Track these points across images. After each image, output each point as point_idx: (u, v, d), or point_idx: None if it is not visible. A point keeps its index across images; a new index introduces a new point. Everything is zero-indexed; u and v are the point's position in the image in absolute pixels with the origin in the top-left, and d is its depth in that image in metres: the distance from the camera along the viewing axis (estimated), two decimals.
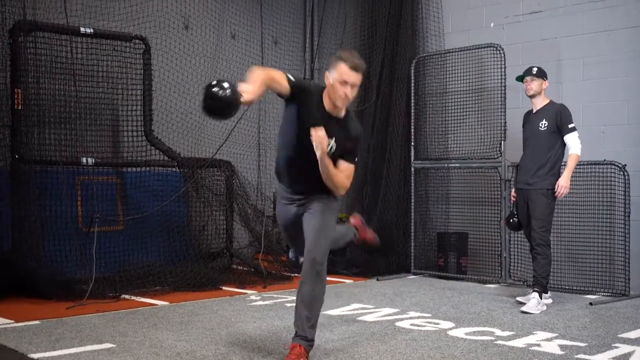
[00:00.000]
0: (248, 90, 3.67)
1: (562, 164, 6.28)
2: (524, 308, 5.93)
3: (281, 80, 3.98)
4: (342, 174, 4.22)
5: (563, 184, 6.12)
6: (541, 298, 6.06)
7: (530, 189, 6.25)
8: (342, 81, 4.07)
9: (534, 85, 6.31)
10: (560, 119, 6.18)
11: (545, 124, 6.23)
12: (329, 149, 4.05)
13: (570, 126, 6.19)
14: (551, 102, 6.36)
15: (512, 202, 6.64)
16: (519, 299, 6.39)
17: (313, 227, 4.18)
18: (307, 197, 4.27)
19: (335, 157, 4.16)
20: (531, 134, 6.35)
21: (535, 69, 6.34)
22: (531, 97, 6.37)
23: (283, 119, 4.28)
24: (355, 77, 4.10)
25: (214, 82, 3.62)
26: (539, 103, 6.36)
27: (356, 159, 4.31)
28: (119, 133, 7.69)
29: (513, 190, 6.63)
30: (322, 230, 4.18)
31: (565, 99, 7.49)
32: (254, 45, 9.47)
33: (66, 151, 6.91)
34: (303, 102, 4.11)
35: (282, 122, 4.30)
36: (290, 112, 4.17)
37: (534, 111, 6.40)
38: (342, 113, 4.25)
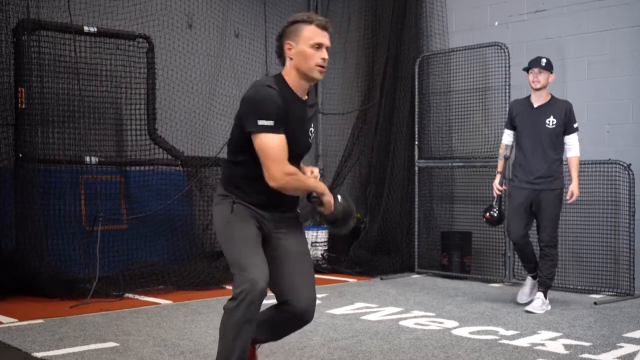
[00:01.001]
0: (325, 191, 3.26)
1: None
2: (528, 308, 5.91)
3: (284, 144, 3.16)
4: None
5: (577, 192, 6.03)
6: (546, 298, 6.01)
7: (541, 188, 5.97)
8: (315, 44, 3.20)
9: (542, 77, 5.98)
10: (568, 118, 5.99)
11: (553, 121, 5.96)
12: (311, 138, 3.39)
13: (575, 126, 6.04)
14: (554, 97, 6.11)
15: (496, 195, 6.24)
16: (519, 301, 6.29)
17: (308, 273, 3.41)
18: (279, 214, 3.36)
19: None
20: (535, 131, 6.01)
21: (544, 60, 5.99)
22: (537, 90, 6.02)
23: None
24: (327, 39, 3.26)
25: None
26: (543, 98, 6.06)
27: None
28: (123, 132, 7.69)
29: (497, 181, 6.23)
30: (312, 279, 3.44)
31: (570, 98, 7.45)
32: (258, 44, 9.46)
33: (70, 150, 6.92)
34: (287, 114, 3.19)
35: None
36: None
37: (534, 105, 6.06)
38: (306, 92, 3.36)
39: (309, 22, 3.23)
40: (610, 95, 7.22)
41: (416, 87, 8.37)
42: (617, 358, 4.37)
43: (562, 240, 7.17)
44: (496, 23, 8.10)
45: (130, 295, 6.38)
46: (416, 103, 8.34)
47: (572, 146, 6.04)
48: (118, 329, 5.04)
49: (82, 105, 7.13)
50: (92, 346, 4.52)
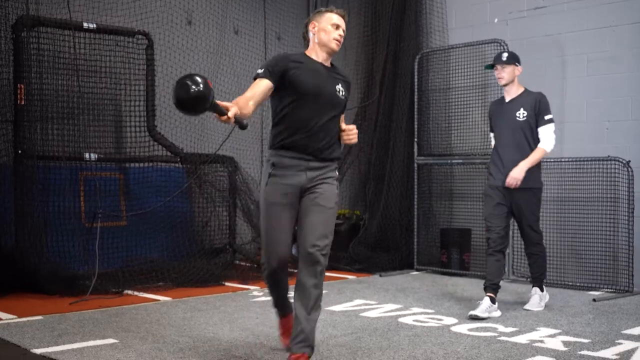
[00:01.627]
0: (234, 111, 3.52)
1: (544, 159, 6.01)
2: (527, 306, 5.89)
3: (261, 89, 3.82)
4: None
5: (515, 175, 5.59)
6: (542, 290, 5.97)
7: (517, 186, 5.67)
8: (334, 24, 4.06)
9: (506, 73, 5.76)
10: (538, 109, 5.70)
11: (524, 113, 5.71)
12: (340, 93, 4.07)
13: (547, 117, 5.71)
14: (527, 90, 5.86)
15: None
16: (525, 303, 5.97)
17: (320, 224, 3.94)
18: (321, 162, 3.98)
19: (344, 100, 4.10)
20: (507, 125, 5.79)
21: (505, 55, 5.79)
22: (504, 86, 5.84)
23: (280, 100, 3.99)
24: (344, 24, 4.15)
25: (187, 77, 3.35)
26: (514, 91, 5.83)
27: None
28: (122, 128, 7.69)
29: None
30: (330, 227, 3.99)
31: (569, 95, 7.49)
32: (257, 41, 9.45)
33: (69, 147, 6.92)
34: (297, 69, 3.92)
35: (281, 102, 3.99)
36: (287, 92, 3.92)
37: (507, 100, 5.86)
38: (330, 65, 4.14)
39: (330, 10, 4.14)
40: (609, 93, 7.22)
41: (415, 84, 8.36)
42: (616, 355, 4.38)
43: (561, 236, 7.20)
44: (496, 20, 8.10)
45: (130, 292, 6.38)
46: (415, 100, 8.34)
47: (543, 138, 5.70)
48: (117, 326, 5.04)
49: (82, 101, 7.12)
50: (92, 342, 4.52)
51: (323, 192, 3.96)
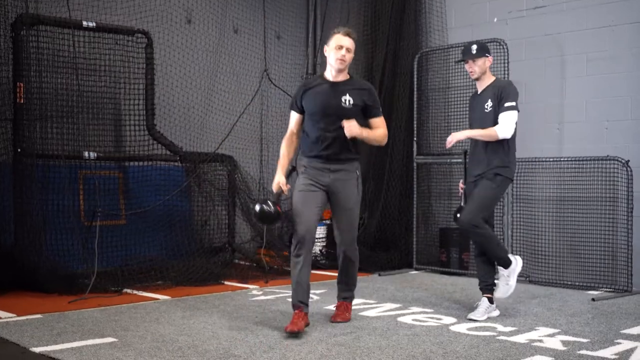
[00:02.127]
0: (282, 181, 5.08)
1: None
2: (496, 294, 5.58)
3: (295, 120, 5.17)
4: (378, 128, 5.09)
5: (457, 135, 5.46)
6: (508, 279, 5.56)
7: (481, 173, 5.46)
8: (337, 46, 4.94)
9: (477, 67, 5.50)
10: (501, 96, 5.38)
11: (489, 105, 5.43)
12: (346, 103, 4.93)
13: (507, 104, 5.34)
14: (497, 79, 5.61)
15: (460, 194, 5.79)
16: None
17: (349, 222, 5.13)
18: (338, 164, 5.00)
19: (355, 109, 4.97)
20: (478, 117, 5.55)
21: (474, 48, 5.51)
22: (476, 80, 5.60)
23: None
24: (349, 42, 4.96)
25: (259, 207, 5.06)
26: (485, 83, 5.56)
27: (380, 109, 5.15)
28: (122, 127, 7.69)
29: (461, 182, 5.81)
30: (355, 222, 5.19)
31: (569, 95, 7.49)
32: (257, 40, 9.45)
33: (68, 145, 6.91)
34: (305, 99, 5.07)
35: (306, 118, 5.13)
36: (305, 114, 5.10)
37: (478, 92, 5.62)
38: (347, 77, 5.07)
39: (337, 32, 5.00)
40: (609, 92, 7.22)
41: (415, 83, 8.36)
42: (615, 354, 4.38)
43: (560, 236, 7.20)
44: (495, 19, 8.10)
45: (129, 291, 6.38)
46: (415, 99, 8.34)
47: (499, 123, 5.34)
48: (116, 324, 5.04)
49: (81, 100, 7.12)
50: (91, 341, 4.52)
51: (344, 193, 5.03)
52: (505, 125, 5.34)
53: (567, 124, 7.49)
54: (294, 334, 4.71)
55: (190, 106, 8.52)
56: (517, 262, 5.56)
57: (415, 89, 8.36)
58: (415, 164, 8.27)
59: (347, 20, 9.68)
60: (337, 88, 4.97)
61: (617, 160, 6.80)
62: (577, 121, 7.42)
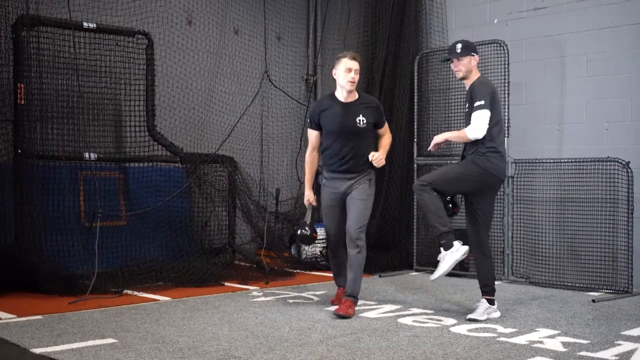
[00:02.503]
0: (311, 198, 5.93)
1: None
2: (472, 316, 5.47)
3: (313, 137, 5.85)
4: (385, 136, 5.86)
5: (436, 138, 5.48)
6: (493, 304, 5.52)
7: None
8: (347, 69, 5.56)
9: (462, 66, 5.42)
10: (470, 96, 5.32)
11: (467, 105, 5.42)
12: (361, 123, 5.61)
13: (476, 104, 5.24)
14: (479, 77, 5.50)
15: None
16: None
17: (358, 211, 5.59)
18: (354, 174, 5.69)
19: (369, 127, 5.68)
20: (465, 118, 5.52)
21: (459, 46, 5.42)
22: (463, 79, 5.53)
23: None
24: (355, 64, 5.59)
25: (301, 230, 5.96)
26: (470, 81, 5.48)
27: (384, 118, 5.86)
28: (122, 128, 7.69)
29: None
30: (365, 211, 5.64)
31: (569, 96, 7.49)
32: (257, 41, 9.46)
33: (69, 146, 6.92)
34: (322, 119, 5.72)
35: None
36: (323, 131, 5.79)
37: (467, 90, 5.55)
38: (356, 96, 5.70)
39: (343, 56, 5.62)
40: (609, 93, 7.22)
41: (415, 84, 8.36)
42: (615, 356, 4.38)
43: (561, 237, 7.20)
44: (495, 20, 8.10)
45: (129, 292, 6.38)
46: (415, 100, 8.34)
47: (470, 124, 5.31)
48: (117, 325, 5.04)
49: (81, 101, 7.12)
50: (91, 342, 4.52)
51: (357, 190, 5.64)
52: (474, 126, 5.25)
53: (567, 125, 7.50)
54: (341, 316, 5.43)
55: (191, 107, 8.52)
56: (458, 250, 5.37)
57: (415, 90, 8.36)
58: (415, 165, 8.27)
59: (347, 21, 9.70)
60: (350, 109, 5.64)
61: (618, 161, 6.80)
62: (577, 122, 7.43)
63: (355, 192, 5.64)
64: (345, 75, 5.53)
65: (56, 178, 6.81)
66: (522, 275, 7.31)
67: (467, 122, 5.39)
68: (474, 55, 5.46)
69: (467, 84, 5.51)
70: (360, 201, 5.59)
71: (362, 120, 5.60)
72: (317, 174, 6.39)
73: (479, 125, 5.25)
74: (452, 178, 5.43)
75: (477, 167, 5.37)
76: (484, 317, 5.42)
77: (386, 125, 5.87)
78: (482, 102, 5.25)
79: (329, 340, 4.70)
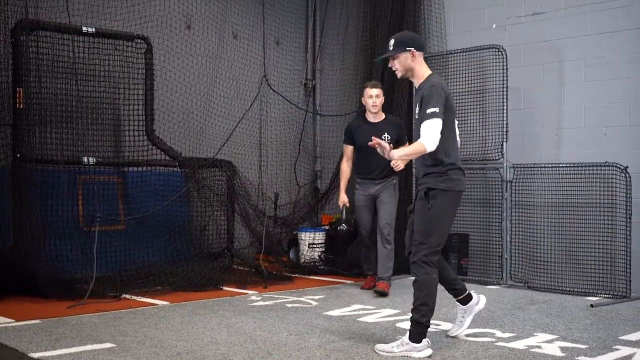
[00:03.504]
0: (345, 200, 7.12)
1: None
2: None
3: (348, 150, 7.14)
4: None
5: (391, 154, 4.47)
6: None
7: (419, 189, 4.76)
8: (369, 96, 6.93)
9: (398, 63, 4.74)
10: (420, 99, 4.65)
11: (417, 111, 4.72)
12: (385, 139, 6.62)
13: (428, 111, 4.47)
14: (427, 78, 4.75)
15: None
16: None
17: (387, 211, 6.93)
18: (380, 180, 6.96)
19: (393, 143, 6.68)
20: (414, 125, 4.90)
21: (391, 43, 4.71)
22: (406, 78, 4.90)
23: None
24: (376, 91, 6.93)
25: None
26: (418, 81, 4.81)
27: (405, 137, 6.98)
28: (121, 132, 7.70)
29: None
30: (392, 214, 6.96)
31: (567, 101, 7.51)
32: (256, 45, 9.47)
33: (67, 150, 6.92)
34: (356, 136, 7.02)
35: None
36: (355, 146, 7.07)
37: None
38: (382, 117, 7.02)
39: (366, 86, 7.00)
40: (607, 98, 7.23)
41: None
42: None
43: (559, 242, 7.20)
44: (494, 25, 8.12)
45: (127, 296, 6.38)
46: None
47: (421, 134, 4.51)
48: (115, 330, 5.04)
49: (80, 105, 7.13)
50: (89, 347, 4.52)
51: (384, 194, 6.96)
52: (428, 137, 4.45)
53: (565, 130, 7.50)
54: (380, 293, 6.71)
55: (190, 111, 8.53)
56: (479, 302, 5.10)
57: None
58: (413, 170, 8.26)
59: (346, 26, 9.71)
60: (377, 128, 6.84)
61: (616, 166, 6.81)
62: (575, 127, 7.43)
63: (382, 195, 6.94)
64: (368, 101, 6.89)
65: (55, 182, 6.81)
66: (521, 280, 7.31)
67: (417, 129, 4.63)
68: (410, 50, 4.67)
69: (416, 83, 4.84)
70: (387, 204, 6.92)
71: (387, 137, 6.79)
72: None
73: (431, 136, 4.44)
74: (444, 226, 4.72)
75: (449, 196, 4.65)
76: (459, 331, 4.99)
77: (407, 143, 6.77)
78: (436, 110, 4.47)
79: (327, 345, 4.70)
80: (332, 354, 4.45)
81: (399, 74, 4.84)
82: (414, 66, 4.74)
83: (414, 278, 4.79)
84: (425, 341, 4.50)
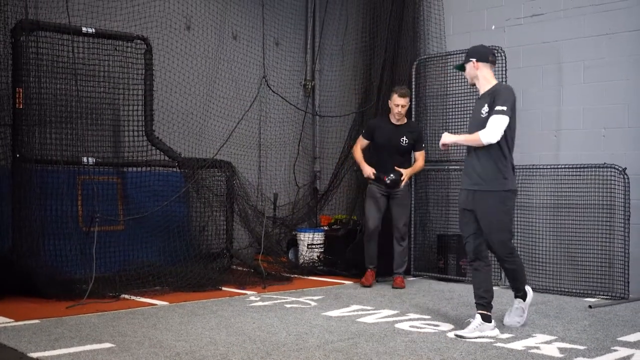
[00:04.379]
0: (371, 170, 7.34)
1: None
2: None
3: (364, 143, 7.53)
4: (420, 159, 7.50)
5: (446, 138, 5.47)
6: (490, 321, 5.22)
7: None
8: (395, 104, 7.28)
9: (466, 72, 5.49)
10: (493, 100, 5.19)
11: (486, 110, 5.25)
12: (404, 142, 7.31)
13: (496, 108, 5.13)
14: (497, 84, 5.39)
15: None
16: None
17: (402, 214, 7.44)
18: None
19: (409, 146, 7.37)
20: (474, 124, 5.38)
21: (466, 55, 5.52)
22: (473, 84, 5.48)
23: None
24: (403, 100, 7.29)
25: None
26: (483, 87, 5.39)
27: (423, 145, 7.54)
28: (120, 133, 7.70)
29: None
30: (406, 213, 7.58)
31: (566, 102, 7.52)
32: (256, 46, 9.48)
33: (67, 151, 6.92)
34: (376, 134, 7.42)
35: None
36: (373, 143, 7.49)
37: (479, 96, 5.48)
38: (404, 121, 7.42)
39: (395, 92, 7.33)
40: (606, 99, 7.24)
41: (413, 90, 8.37)
42: None
43: (557, 243, 7.22)
44: (493, 27, 8.13)
45: (127, 296, 6.38)
46: (413, 106, 8.35)
47: (486, 127, 5.15)
48: (114, 330, 5.05)
49: (80, 106, 7.13)
50: (88, 347, 4.53)
51: (398, 196, 7.37)
52: (490, 130, 5.04)
53: (564, 131, 7.52)
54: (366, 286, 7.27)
55: (189, 112, 8.54)
56: (493, 330, 5.17)
57: (413, 96, 8.36)
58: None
59: (345, 27, 9.72)
60: (398, 130, 7.34)
61: (614, 167, 6.82)
62: (574, 128, 7.45)
63: (397, 197, 7.36)
64: (394, 109, 7.26)
65: (54, 182, 6.82)
66: None
67: (476, 125, 5.19)
68: (472, 61, 5.34)
69: (481, 89, 5.35)
70: (402, 205, 7.43)
71: (405, 141, 7.30)
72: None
73: (495, 130, 5.03)
74: (508, 223, 5.33)
75: (506, 195, 5.19)
76: (474, 335, 5.03)
77: (423, 151, 7.50)
78: (504, 108, 5.04)
79: (326, 345, 4.71)
80: (331, 354, 4.46)
81: (469, 81, 5.49)
82: (477, 75, 5.38)
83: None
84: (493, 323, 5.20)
